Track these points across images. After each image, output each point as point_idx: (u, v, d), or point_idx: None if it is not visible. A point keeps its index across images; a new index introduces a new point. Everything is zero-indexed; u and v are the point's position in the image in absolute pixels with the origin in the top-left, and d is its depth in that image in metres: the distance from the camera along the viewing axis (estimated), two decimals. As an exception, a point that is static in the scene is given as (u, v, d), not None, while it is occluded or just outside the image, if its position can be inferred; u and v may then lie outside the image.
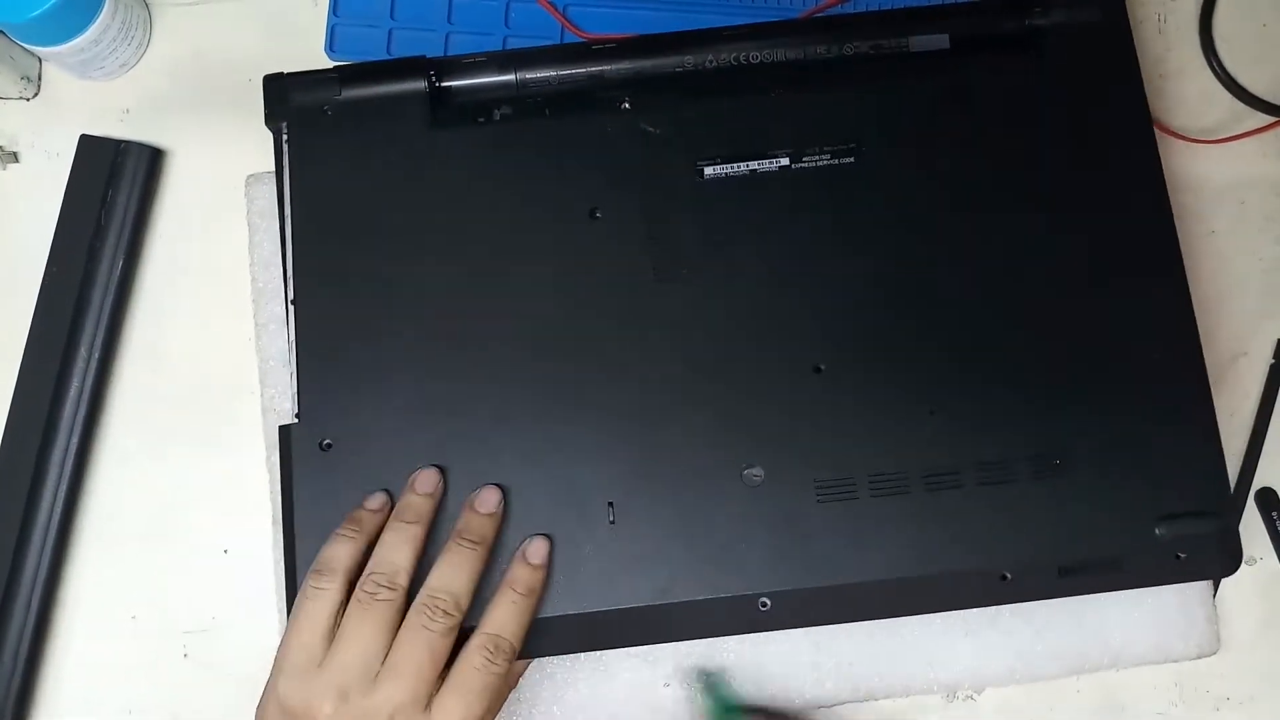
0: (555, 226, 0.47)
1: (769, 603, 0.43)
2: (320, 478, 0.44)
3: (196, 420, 0.52)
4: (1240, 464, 0.52)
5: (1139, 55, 0.48)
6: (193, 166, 0.54)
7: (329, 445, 0.44)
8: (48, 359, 0.50)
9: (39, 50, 0.51)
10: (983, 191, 0.47)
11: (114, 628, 0.51)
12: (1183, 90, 0.55)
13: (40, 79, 0.55)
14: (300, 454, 0.44)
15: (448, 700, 0.38)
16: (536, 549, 0.43)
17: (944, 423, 0.45)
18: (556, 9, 0.53)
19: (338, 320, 0.46)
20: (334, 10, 0.54)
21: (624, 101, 0.48)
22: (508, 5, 0.54)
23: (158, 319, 0.53)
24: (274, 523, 0.49)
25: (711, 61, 0.49)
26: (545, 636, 0.43)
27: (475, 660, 0.39)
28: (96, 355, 0.51)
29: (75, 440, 0.50)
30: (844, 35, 0.49)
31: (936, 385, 0.45)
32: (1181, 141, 0.54)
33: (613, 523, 0.44)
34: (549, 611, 0.43)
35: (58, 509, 0.50)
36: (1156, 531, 0.44)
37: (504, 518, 0.43)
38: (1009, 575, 0.43)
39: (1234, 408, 0.53)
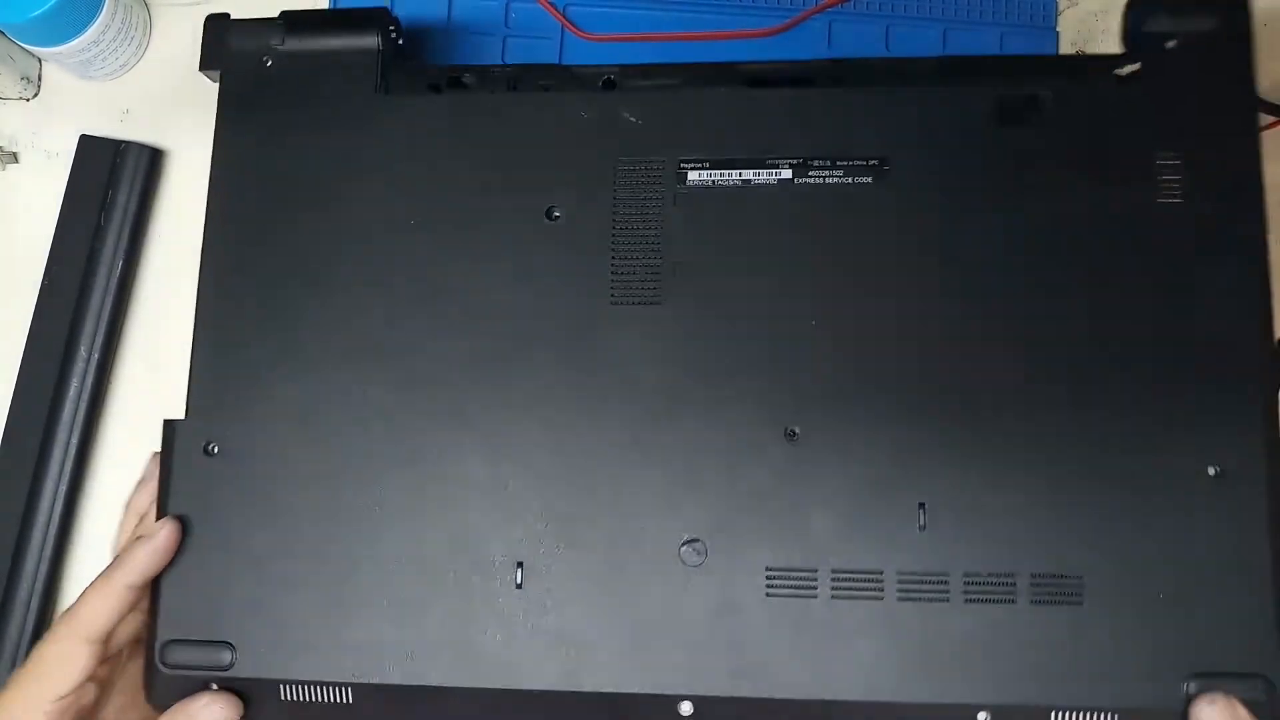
0: (505, 225, 0.40)
1: (691, 708, 0.36)
2: (199, 485, 0.39)
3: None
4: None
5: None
6: (193, 167, 0.54)
7: (214, 450, 0.40)
8: (48, 359, 0.50)
9: (39, 50, 0.51)
10: (1043, 242, 0.38)
11: (114, 628, 0.51)
12: (1183, 90, 0.55)
13: (40, 79, 0.55)
14: (181, 456, 0.40)
15: None
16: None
17: (936, 516, 0.37)
18: (556, 9, 0.53)
19: (244, 308, 0.40)
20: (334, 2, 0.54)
21: (608, 76, 0.42)
22: (508, 5, 0.54)
23: (157, 319, 0.53)
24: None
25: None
26: (430, 706, 0.38)
27: None
28: (96, 355, 0.51)
29: (75, 440, 0.50)
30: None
31: (933, 471, 0.37)
32: (1182, 141, 0.54)
33: (519, 586, 0.38)
34: (434, 680, 0.37)
35: (58, 509, 0.50)
36: (1185, 689, 0.35)
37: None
38: (987, 718, 0.36)
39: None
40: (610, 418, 0.39)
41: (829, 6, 0.53)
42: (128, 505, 0.43)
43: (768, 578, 0.37)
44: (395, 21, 0.43)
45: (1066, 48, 0.54)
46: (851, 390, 0.38)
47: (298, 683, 0.38)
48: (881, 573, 0.37)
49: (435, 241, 0.41)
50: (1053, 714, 0.36)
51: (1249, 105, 0.40)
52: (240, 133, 0.42)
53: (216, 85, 0.43)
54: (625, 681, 0.37)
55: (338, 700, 0.38)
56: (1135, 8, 0.41)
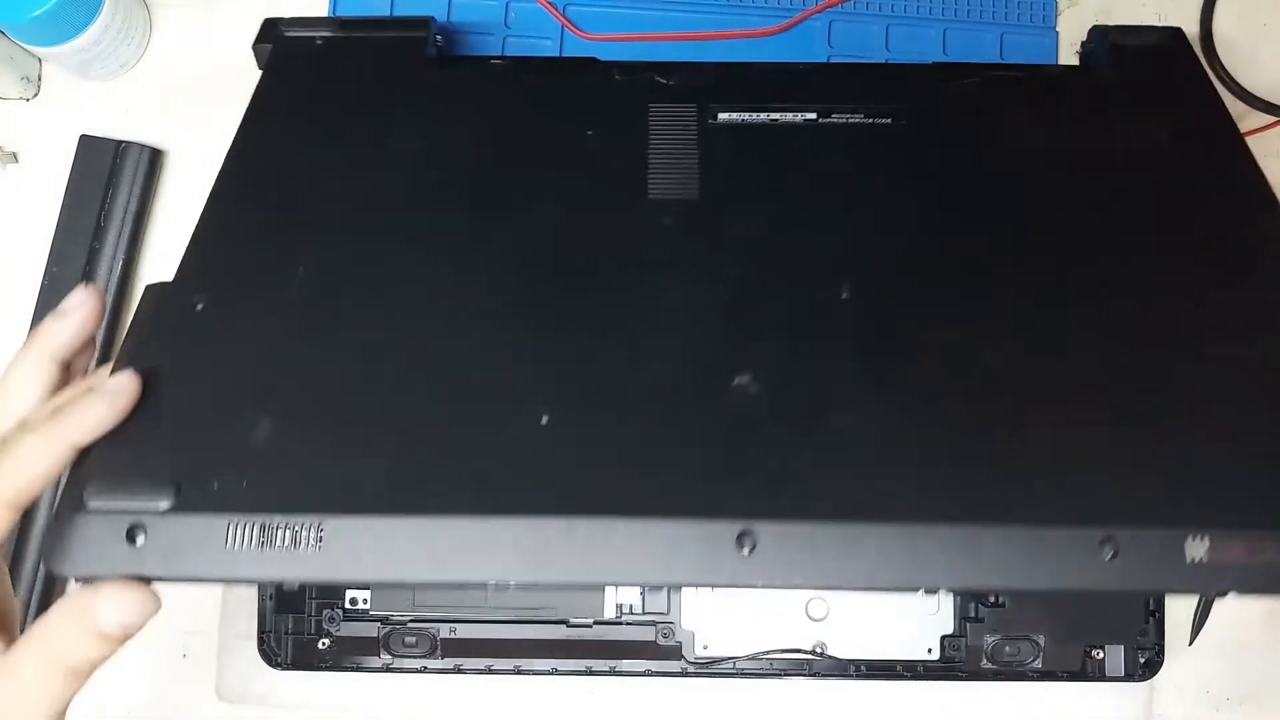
0: (545, 141, 0.43)
1: (755, 539, 0.31)
2: (176, 339, 0.36)
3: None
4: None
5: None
6: (193, 167, 0.54)
7: (200, 308, 0.37)
8: (48, 359, 0.50)
9: (39, 50, 0.51)
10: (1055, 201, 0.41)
11: (114, 628, 0.51)
12: (1183, 90, 0.55)
13: (40, 79, 0.55)
14: (163, 314, 0.37)
15: None
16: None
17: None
18: (556, 9, 0.53)
19: (251, 205, 0.40)
20: (333, 11, 0.54)
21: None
22: (508, 5, 0.54)
23: (158, 319, 0.53)
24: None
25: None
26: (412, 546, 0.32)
27: None
28: (96, 355, 0.51)
29: (75, 440, 0.50)
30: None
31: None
32: (1182, 142, 0.54)
33: (518, 415, 0.34)
34: (419, 509, 0.32)
35: (57, 509, 0.50)
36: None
37: None
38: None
39: (1234, 408, 0.52)
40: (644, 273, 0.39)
41: (829, 6, 0.53)
42: (36, 333, 0.36)
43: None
44: (442, 30, 0.48)
45: (1066, 48, 0.54)
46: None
47: (255, 520, 0.32)
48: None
49: (470, 157, 0.42)
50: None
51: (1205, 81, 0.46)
52: (284, 80, 0.45)
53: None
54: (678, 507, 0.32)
55: (305, 542, 0.32)
56: (1089, 41, 0.49)
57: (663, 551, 0.31)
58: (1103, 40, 0.48)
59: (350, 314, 0.38)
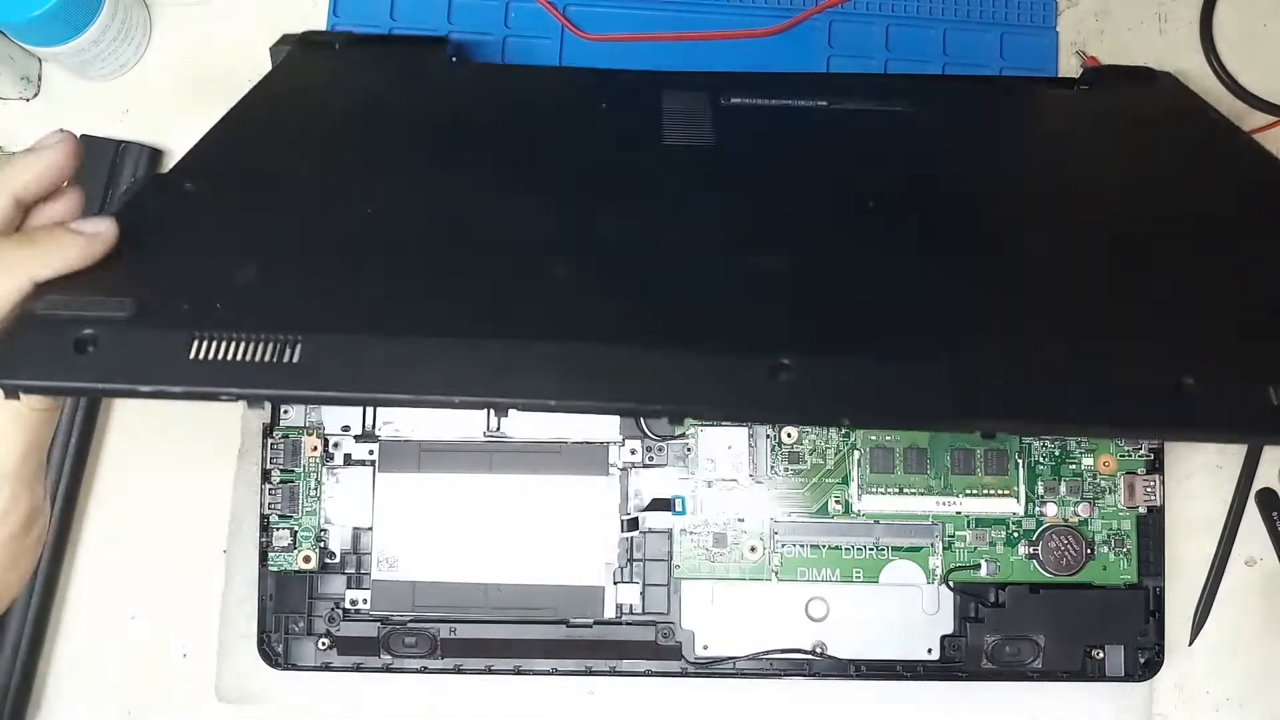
0: (562, 108, 0.46)
1: (790, 365, 0.28)
2: (166, 208, 0.34)
3: (196, 420, 0.52)
4: (1241, 464, 0.52)
5: (1141, 56, 0.49)
6: (193, 166, 0.54)
7: (191, 189, 0.35)
8: (48, 359, 0.50)
9: (39, 50, 0.51)
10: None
11: (114, 628, 0.51)
12: (1183, 90, 0.55)
13: (40, 79, 0.55)
14: (153, 187, 0.36)
15: None
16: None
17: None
18: (556, 9, 0.53)
19: (258, 135, 0.40)
20: (334, 10, 0.54)
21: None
22: (508, 5, 0.54)
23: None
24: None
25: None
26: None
27: None
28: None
29: (75, 440, 0.50)
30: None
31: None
32: (1182, 142, 0.54)
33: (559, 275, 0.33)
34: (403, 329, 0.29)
35: (57, 509, 0.50)
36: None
37: None
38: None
39: (1234, 408, 0.52)
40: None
41: (829, 6, 0.53)
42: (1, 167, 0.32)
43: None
44: (457, 50, 0.52)
45: (1066, 48, 0.54)
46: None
47: (228, 335, 0.28)
48: None
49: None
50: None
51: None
52: (307, 53, 0.48)
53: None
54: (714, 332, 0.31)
55: (281, 355, 0.28)
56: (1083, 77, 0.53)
57: (688, 378, 0.28)
58: (1097, 75, 0.52)
59: (350, 196, 0.36)
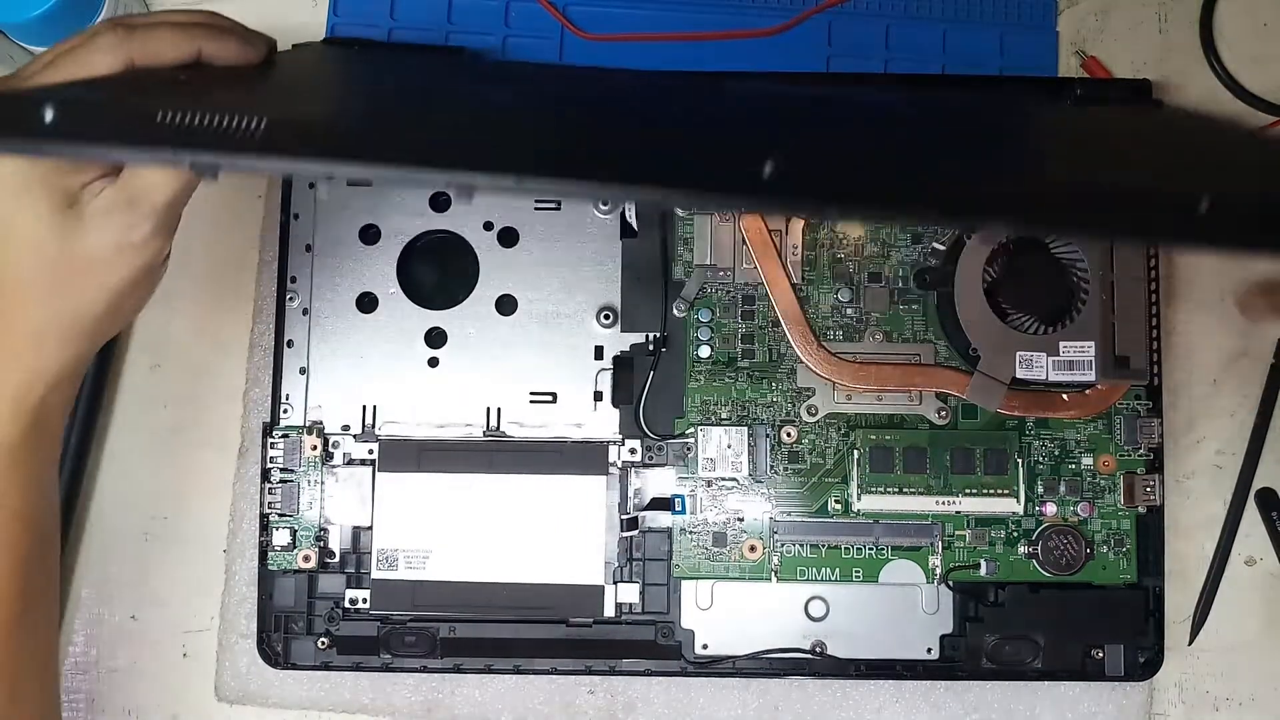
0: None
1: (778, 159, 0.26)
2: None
3: (196, 420, 0.52)
4: (1241, 464, 0.52)
5: (1141, 56, 0.49)
6: (193, 166, 0.54)
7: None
8: (48, 359, 0.50)
9: (39, 50, 0.51)
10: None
11: (114, 628, 0.51)
12: (1183, 91, 0.55)
13: (40, 79, 0.55)
14: None
15: None
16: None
17: None
18: (556, 9, 0.53)
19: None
20: (334, 10, 0.54)
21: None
22: (508, 5, 0.54)
23: (157, 319, 0.53)
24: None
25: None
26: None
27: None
28: (96, 353, 0.51)
29: (75, 440, 0.50)
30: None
31: None
32: (1181, 141, 0.54)
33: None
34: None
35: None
36: None
37: None
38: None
39: (1234, 408, 0.52)
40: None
41: (829, 6, 0.53)
42: (139, 28, 0.34)
43: None
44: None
45: (1066, 48, 0.54)
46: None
47: (198, 110, 0.27)
48: None
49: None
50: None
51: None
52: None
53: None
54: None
55: (248, 128, 0.27)
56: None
57: (677, 163, 0.27)
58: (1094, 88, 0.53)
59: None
